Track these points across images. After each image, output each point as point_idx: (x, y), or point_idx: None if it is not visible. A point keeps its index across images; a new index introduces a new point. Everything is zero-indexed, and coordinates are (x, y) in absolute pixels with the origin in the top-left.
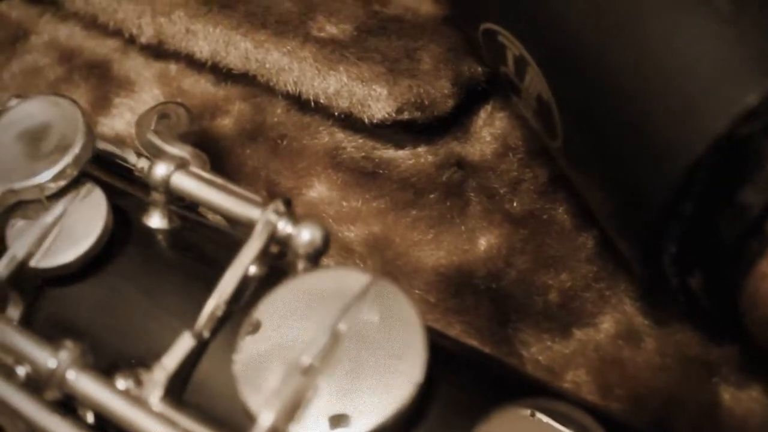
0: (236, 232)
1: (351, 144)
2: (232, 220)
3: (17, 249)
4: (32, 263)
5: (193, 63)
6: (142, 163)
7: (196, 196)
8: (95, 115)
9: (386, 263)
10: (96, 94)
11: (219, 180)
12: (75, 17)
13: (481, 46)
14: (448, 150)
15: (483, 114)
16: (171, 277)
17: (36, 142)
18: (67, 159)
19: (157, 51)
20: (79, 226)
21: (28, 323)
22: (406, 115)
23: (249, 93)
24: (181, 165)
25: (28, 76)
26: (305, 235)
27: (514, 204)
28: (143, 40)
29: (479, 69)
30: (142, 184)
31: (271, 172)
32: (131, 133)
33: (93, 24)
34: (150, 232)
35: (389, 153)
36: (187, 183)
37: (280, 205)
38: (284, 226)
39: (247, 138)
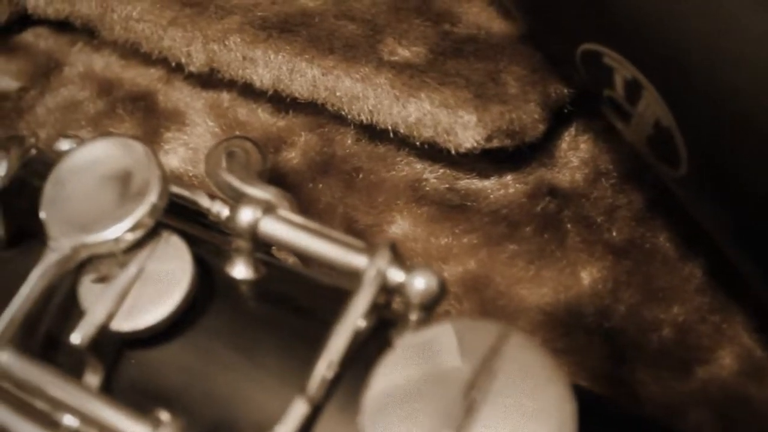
0: (325, 277)
1: (432, 175)
2: (334, 269)
3: (96, 313)
4: (113, 326)
5: (246, 91)
6: (218, 207)
7: (289, 244)
8: None
9: (485, 303)
10: (144, 129)
11: (313, 224)
12: (110, 46)
13: (578, 67)
14: (537, 178)
15: (567, 137)
16: (267, 333)
17: (106, 190)
18: (144, 208)
19: (204, 80)
20: (162, 281)
21: (109, 391)
22: (495, 143)
23: (313, 123)
24: (269, 209)
25: (66, 112)
26: (419, 284)
27: (614, 233)
28: (192, 68)
29: (565, 91)
30: (217, 229)
31: (348, 207)
32: (188, 171)
33: (131, 53)
34: (236, 284)
35: (475, 183)
36: (278, 229)
37: (389, 252)
38: (395, 275)
39: (318, 172)
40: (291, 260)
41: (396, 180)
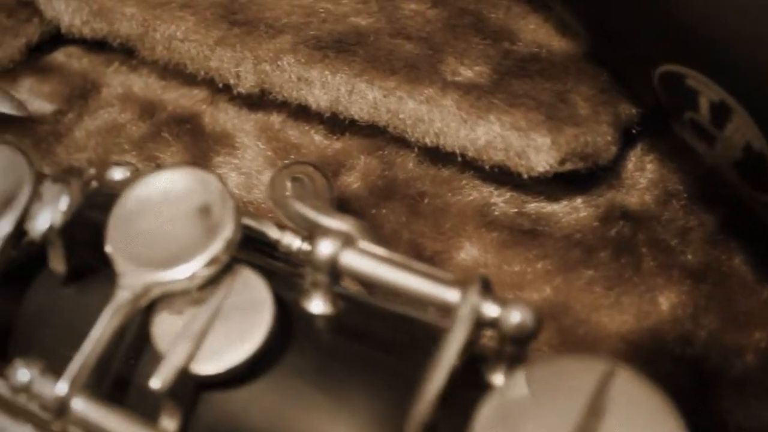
0: (403, 308)
1: (500, 199)
2: (422, 303)
3: (175, 355)
4: (192, 369)
5: (297, 112)
6: (288, 239)
7: (372, 278)
8: None
9: (563, 332)
10: (192, 153)
11: (398, 256)
12: (148, 65)
13: (654, 89)
14: (608, 200)
15: (633, 158)
16: (352, 372)
17: (176, 223)
18: (219, 243)
19: (252, 101)
20: (241, 320)
21: None
22: (568, 166)
23: (372, 145)
24: (348, 241)
25: (108, 135)
26: (515, 318)
27: (689, 256)
28: (241, 90)
29: (633, 110)
30: (285, 260)
31: (414, 234)
32: (242, 197)
33: (172, 73)
34: (315, 321)
35: (545, 207)
36: (360, 262)
37: (481, 285)
38: (489, 309)
39: (381, 197)
40: (354, 288)
41: (463, 204)
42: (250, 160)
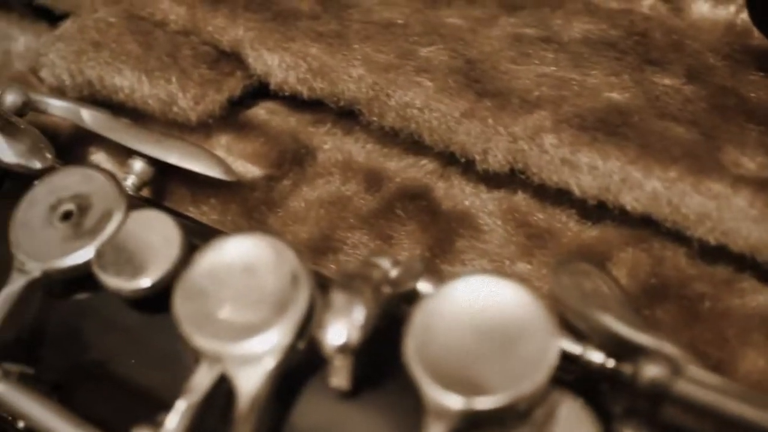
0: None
1: None
2: None
3: None
4: None
5: (542, 193)
6: (590, 354)
7: (709, 409)
8: (439, 264)
9: None
10: (433, 235)
11: (734, 386)
12: (366, 129)
13: None
14: None
15: None
16: None
17: (487, 340)
18: (542, 372)
19: (488, 177)
20: None
21: None
22: None
23: (635, 236)
24: (676, 366)
25: (331, 208)
26: None
27: None
28: (487, 167)
29: None
30: (583, 374)
31: (695, 340)
32: None
33: (393, 139)
34: None
35: None
36: (695, 392)
37: None
38: None
39: (654, 297)
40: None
41: (747, 309)
42: (498, 246)
